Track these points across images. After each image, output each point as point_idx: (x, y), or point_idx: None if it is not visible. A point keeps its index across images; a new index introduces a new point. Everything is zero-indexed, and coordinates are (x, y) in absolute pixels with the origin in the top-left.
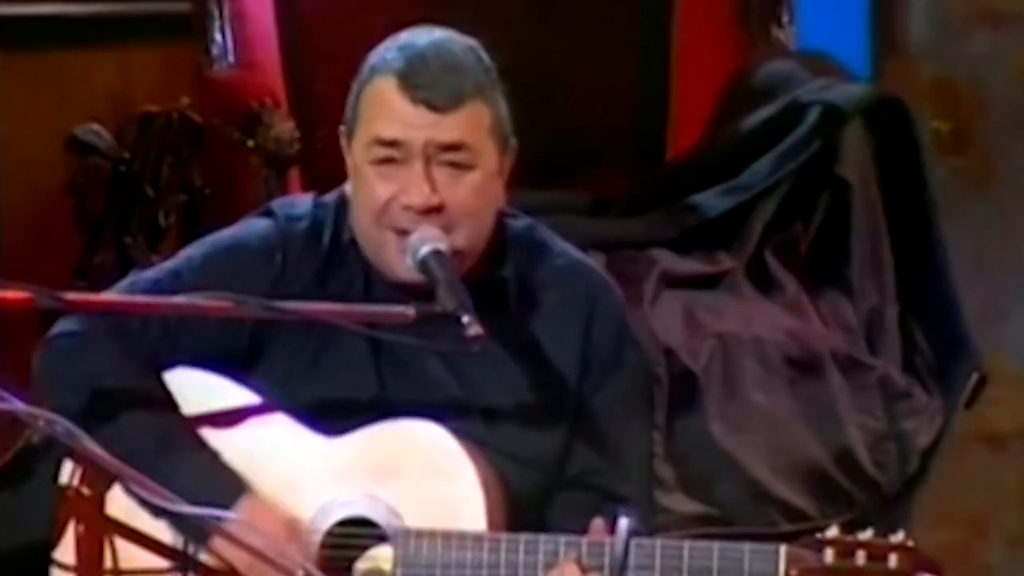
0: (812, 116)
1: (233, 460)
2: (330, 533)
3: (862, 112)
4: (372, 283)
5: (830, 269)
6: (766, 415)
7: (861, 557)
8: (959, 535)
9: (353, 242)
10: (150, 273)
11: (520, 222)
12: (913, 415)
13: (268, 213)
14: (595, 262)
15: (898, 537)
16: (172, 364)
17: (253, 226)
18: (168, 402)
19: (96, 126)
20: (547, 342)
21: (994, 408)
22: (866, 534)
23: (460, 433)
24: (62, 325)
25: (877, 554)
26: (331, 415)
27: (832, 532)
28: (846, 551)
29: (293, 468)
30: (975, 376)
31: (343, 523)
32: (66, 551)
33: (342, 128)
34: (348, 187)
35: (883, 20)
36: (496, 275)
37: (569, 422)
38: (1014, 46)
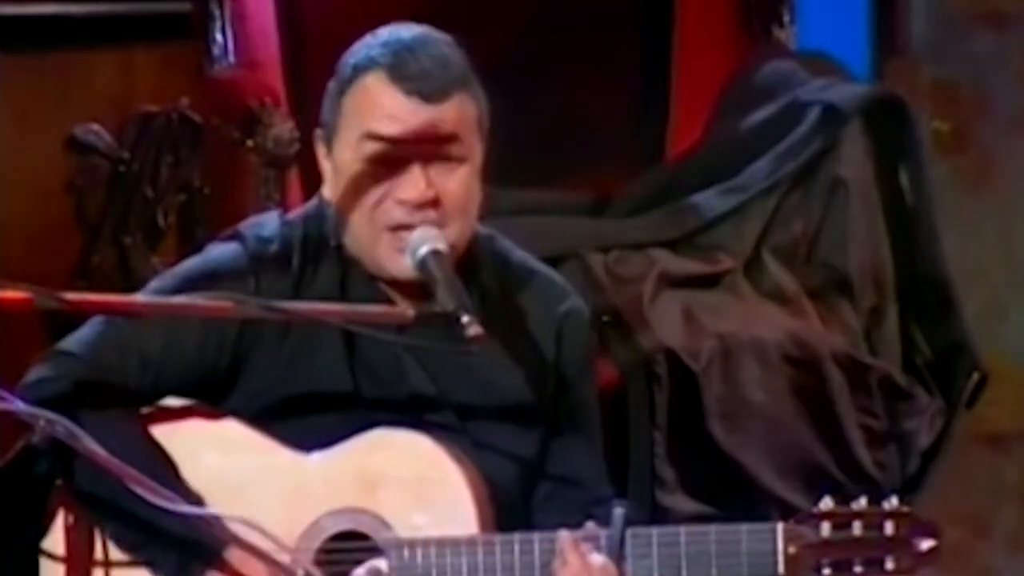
0: (812, 116)
1: (218, 488)
2: (322, 550)
3: (862, 112)
4: (348, 288)
5: (830, 269)
6: (766, 415)
7: (858, 527)
8: (959, 535)
9: (333, 250)
10: None
11: (482, 230)
12: (914, 415)
13: (235, 236)
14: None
15: (892, 503)
16: (155, 397)
17: (221, 252)
18: (149, 444)
19: (96, 126)
20: (520, 347)
21: (994, 408)
22: (860, 503)
23: (436, 429)
24: (37, 372)
25: (873, 522)
26: (307, 420)
27: (826, 503)
28: (842, 522)
29: (279, 489)
30: (975, 376)
31: (334, 538)
32: (55, 542)
33: (318, 131)
34: (327, 192)
35: (883, 20)
36: (473, 277)
37: (544, 422)
38: (1015, 46)
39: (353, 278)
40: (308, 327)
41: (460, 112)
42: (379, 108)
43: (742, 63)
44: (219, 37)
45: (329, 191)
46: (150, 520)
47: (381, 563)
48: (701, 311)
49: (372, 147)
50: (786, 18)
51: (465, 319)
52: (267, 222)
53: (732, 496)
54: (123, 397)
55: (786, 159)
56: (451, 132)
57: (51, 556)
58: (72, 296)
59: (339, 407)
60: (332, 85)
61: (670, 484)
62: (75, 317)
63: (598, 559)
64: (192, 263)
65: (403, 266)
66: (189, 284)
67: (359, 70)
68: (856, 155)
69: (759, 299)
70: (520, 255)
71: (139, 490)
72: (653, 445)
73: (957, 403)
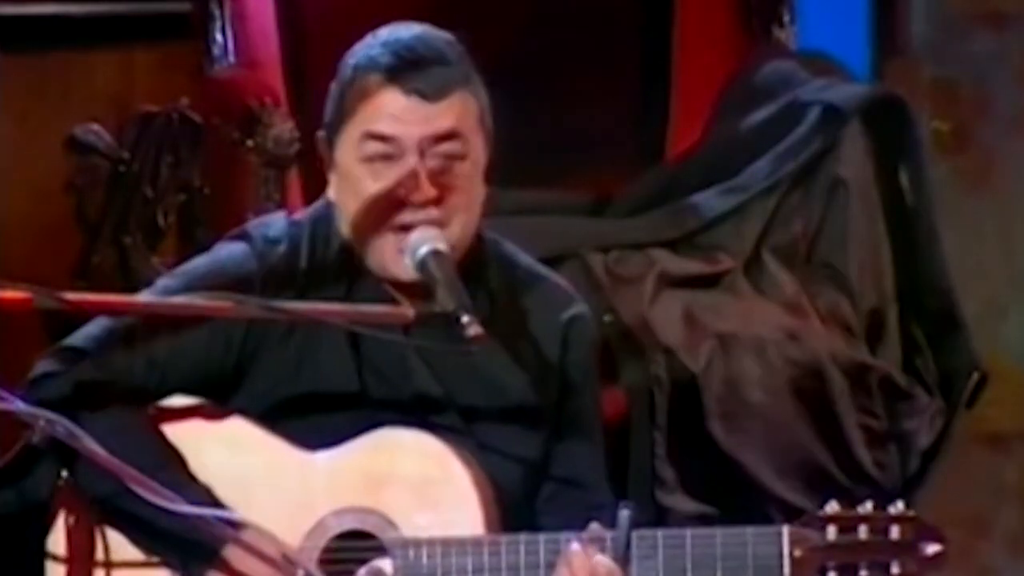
0: (812, 116)
1: (223, 485)
2: (327, 549)
3: (862, 112)
4: (354, 290)
5: (830, 269)
6: (766, 415)
7: (863, 531)
8: (960, 535)
9: (339, 251)
10: None
11: (487, 233)
12: (914, 415)
13: (243, 236)
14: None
15: (898, 507)
16: (161, 395)
17: (229, 252)
18: (156, 437)
19: (96, 126)
20: (526, 349)
21: (994, 408)
22: (866, 507)
23: (441, 430)
24: (43, 366)
25: (879, 526)
26: (313, 419)
27: (832, 507)
28: (848, 526)
29: (285, 488)
30: (975, 376)
31: (339, 537)
32: (58, 542)
33: (321, 134)
34: (331, 194)
35: (884, 20)
36: (480, 279)
37: (548, 425)
38: (1015, 46)
39: (359, 279)
40: (313, 326)
41: (461, 110)
42: (380, 108)
43: (742, 63)
44: (219, 37)
45: (333, 192)
46: (151, 518)
47: (385, 563)
48: (701, 311)
49: (374, 147)
50: (786, 18)
51: (465, 319)
52: (274, 222)
53: (732, 496)
54: (129, 394)
55: (786, 159)
56: (452, 130)
57: (53, 556)
58: (72, 296)
59: (345, 407)
60: (333, 87)
61: (670, 484)
62: (75, 317)
63: (604, 561)
64: (200, 262)
65: (406, 268)
66: (196, 283)
67: (359, 71)
68: (856, 155)
69: (759, 299)
70: (526, 259)
71: (139, 490)
72: (653, 445)
73: (957, 403)
